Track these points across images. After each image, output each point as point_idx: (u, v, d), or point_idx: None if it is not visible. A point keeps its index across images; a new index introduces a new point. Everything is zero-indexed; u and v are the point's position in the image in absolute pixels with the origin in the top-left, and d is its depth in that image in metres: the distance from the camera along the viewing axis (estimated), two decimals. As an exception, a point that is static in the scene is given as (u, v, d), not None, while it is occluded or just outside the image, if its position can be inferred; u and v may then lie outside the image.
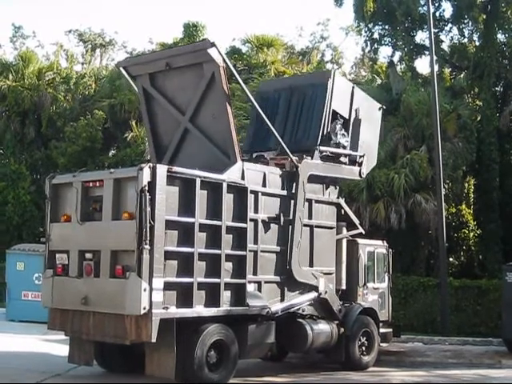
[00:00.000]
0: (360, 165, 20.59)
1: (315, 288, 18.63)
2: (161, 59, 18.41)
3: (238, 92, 35.39)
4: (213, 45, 16.78)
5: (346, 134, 20.08)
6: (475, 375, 19.72)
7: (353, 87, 21.00)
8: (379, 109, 22.26)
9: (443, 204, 28.98)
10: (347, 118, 20.39)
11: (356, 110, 20.59)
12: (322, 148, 19.21)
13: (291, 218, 18.06)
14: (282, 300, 17.76)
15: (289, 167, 18.49)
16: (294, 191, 18.24)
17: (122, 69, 19.45)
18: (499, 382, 18.41)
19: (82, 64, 52.53)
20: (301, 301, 18.27)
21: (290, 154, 18.38)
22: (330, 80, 19.80)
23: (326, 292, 18.89)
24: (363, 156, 20.60)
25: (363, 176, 21.18)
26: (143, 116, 19.56)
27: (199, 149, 17.96)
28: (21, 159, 41.62)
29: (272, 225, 17.57)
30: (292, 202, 18.09)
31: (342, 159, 20.12)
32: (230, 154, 17.25)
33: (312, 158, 18.86)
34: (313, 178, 18.77)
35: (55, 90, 42.65)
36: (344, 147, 19.98)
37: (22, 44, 54.62)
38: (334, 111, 19.84)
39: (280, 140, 18.44)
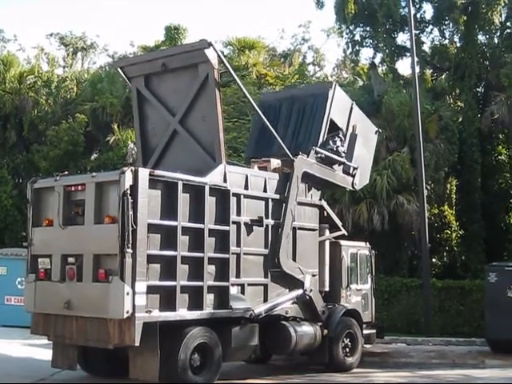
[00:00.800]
0: (353, 176, 20.94)
1: (301, 284, 18.68)
2: (157, 59, 18.64)
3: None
4: (210, 45, 17.08)
5: (342, 144, 20.42)
6: (459, 375, 19.80)
7: (352, 103, 21.44)
8: (375, 132, 22.86)
9: (426, 205, 29.12)
10: (344, 130, 20.75)
11: (353, 126, 21.06)
12: (318, 149, 19.50)
13: (282, 210, 18.27)
14: (266, 301, 17.76)
15: (273, 170, 18.71)
16: (287, 187, 18.48)
17: (119, 69, 19.71)
18: (483, 382, 18.48)
19: (64, 67, 52.27)
20: (284, 299, 18.28)
21: (288, 151, 18.81)
22: (330, 90, 20.22)
23: (311, 290, 18.94)
24: (357, 168, 20.99)
25: (356, 188, 21.68)
26: (134, 117, 19.63)
27: (186, 151, 18.01)
28: (2, 163, 41.33)
29: (254, 227, 17.58)
30: (275, 204, 18.19)
31: (336, 167, 20.42)
32: (216, 156, 17.33)
33: (307, 157, 19.06)
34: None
35: (37, 94, 42.40)
36: (339, 155, 20.25)
37: (2, 48, 54.26)
38: (332, 121, 20.16)
39: (280, 141, 18.87)
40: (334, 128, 20.30)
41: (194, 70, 17.71)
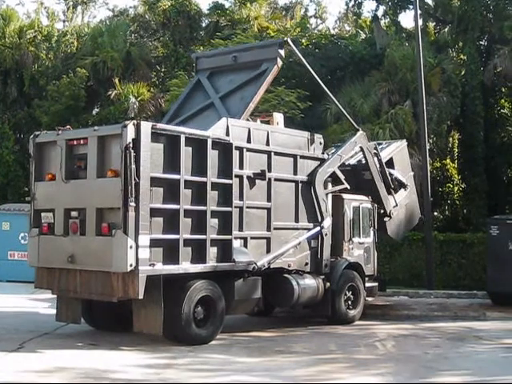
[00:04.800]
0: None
1: (320, 221, 19.19)
2: (231, 52, 20.42)
3: (222, 47, 35.26)
4: (283, 44, 19.18)
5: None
6: (460, 327, 19.93)
7: None
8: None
9: (428, 158, 29.10)
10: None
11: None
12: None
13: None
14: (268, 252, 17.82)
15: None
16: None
17: (194, 59, 21.36)
18: (484, 333, 18.60)
19: (64, 22, 52.02)
20: (291, 245, 18.35)
21: (354, 123, 22.09)
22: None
23: (326, 234, 19.31)
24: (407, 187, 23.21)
25: (392, 215, 22.49)
26: (181, 96, 20.68)
27: (212, 122, 17.82)
28: (3, 119, 41.22)
29: (257, 181, 17.56)
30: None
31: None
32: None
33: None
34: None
35: (37, 49, 42.12)
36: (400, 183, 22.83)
37: (1, 2, 53.97)
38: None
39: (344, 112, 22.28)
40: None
41: (258, 64, 19.12)
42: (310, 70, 20.72)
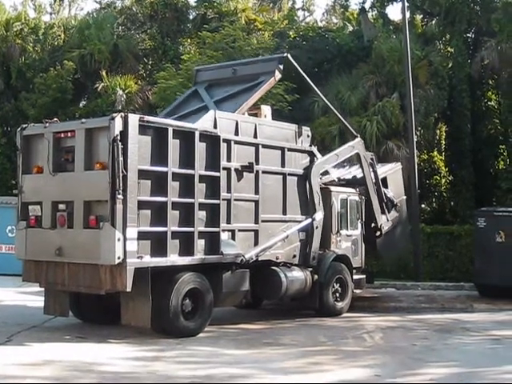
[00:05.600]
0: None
1: (312, 213, 19.40)
2: (230, 66, 20.96)
3: (209, 40, 35.21)
4: (282, 61, 19.77)
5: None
6: (448, 319, 19.99)
7: None
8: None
9: (415, 151, 29.16)
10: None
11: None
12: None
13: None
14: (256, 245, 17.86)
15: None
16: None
17: (194, 72, 21.72)
18: (471, 325, 18.67)
19: (51, 14, 51.84)
20: (278, 238, 18.41)
21: (352, 131, 22.81)
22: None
23: (316, 227, 19.44)
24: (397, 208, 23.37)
25: (382, 229, 22.53)
26: (175, 102, 21.08)
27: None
28: (-10, 112, 41.14)
29: (245, 173, 17.57)
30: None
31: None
32: None
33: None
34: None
35: (24, 41, 41.98)
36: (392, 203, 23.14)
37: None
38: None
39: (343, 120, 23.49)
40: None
41: (256, 78, 19.58)
42: (311, 84, 21.28)
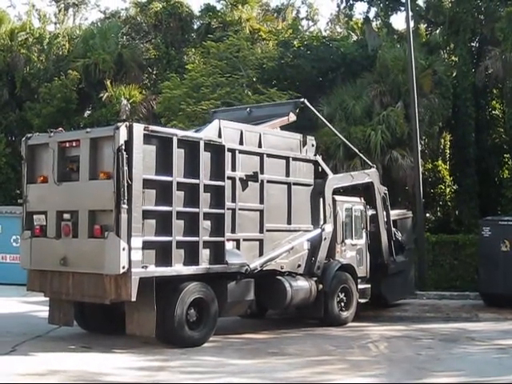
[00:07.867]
0: None
1: (321, 225, 19.59)
2: (246, 107, 21.65)
3: (214, 50, 35.27)
4: (296, 105, 20.73)
5: None
6: (453, 328, 19.94)
7: None
8: None
9: (420, 160, 29.13)
10: None
11: None
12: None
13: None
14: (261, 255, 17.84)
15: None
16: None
17: (210, 113, 22.22)
18: (476, 334, 18.62)
19: (55, 24, 51.85)
20: (283, 250, 18.40)
21: (368, 162, 23.57)
22: None
23: (325, 238, 19.57)
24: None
25: (389, 266, 22.67)
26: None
27: None
28: (-5, 121, 41.17)
29: (250, 182, 17.57)
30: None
31: None
32: None
33: None
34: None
35: (28, 51, 42.06)
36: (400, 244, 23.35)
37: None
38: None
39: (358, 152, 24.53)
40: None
41: (270, 119, 19.94)
42: (327, 123, 22.84)
